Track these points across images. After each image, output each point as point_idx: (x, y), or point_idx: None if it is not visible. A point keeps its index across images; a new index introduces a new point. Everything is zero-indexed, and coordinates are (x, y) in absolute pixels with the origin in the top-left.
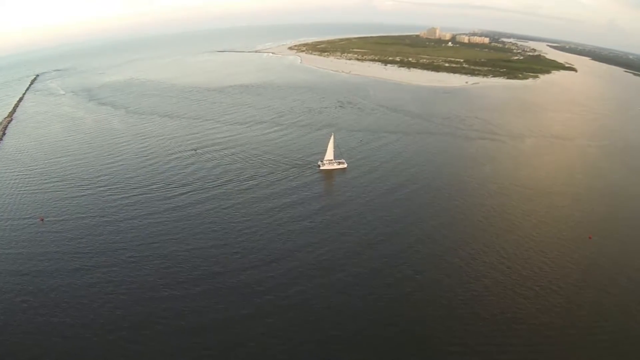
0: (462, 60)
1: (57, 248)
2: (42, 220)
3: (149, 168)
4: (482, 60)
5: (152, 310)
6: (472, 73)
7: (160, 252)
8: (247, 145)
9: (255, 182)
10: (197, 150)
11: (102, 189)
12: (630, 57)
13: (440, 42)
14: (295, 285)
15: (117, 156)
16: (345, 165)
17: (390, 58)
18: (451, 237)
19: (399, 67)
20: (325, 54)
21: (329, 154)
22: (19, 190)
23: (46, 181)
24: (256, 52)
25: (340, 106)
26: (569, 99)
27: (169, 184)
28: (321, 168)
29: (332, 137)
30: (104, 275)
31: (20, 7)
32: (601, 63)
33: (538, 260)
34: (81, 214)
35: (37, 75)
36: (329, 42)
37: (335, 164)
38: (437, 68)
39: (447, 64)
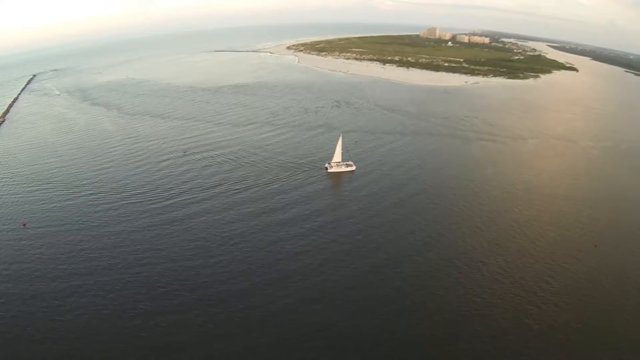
0: (461, 60)
1: (36, 264)
2: (25, 225)
3: (139, 173)
4: (482, 60)
5: (130, 342)
6: (472, 73)
7: (146, 271)
8: (243, 148)
9: (256, 190)
10: (187, 153)
11: (89, 195)
12: (631, 57)
13: (440, 41)
14: (292, 313)
15: (107, 160)
16: (353, 168)
17: (389, 57)
18: (457, 257)
19: (398, 66)
20: (323, 53)
21: (337, 155)
22: (3, 194)
23: (32, 185)
24: (254, 51)
25: (337, 106)
26: (570, 99)
27: (159, 192)
28: (329, 171)
29: (341, 138)
30: (82, 300)
31: (20, 6)
32: (602, 63)
33: (542, 272)
34: (65, 222)
35: (34, 75)
36: (327, 41)
37: (343, 167)
38: (436, 68)
39: (446, 64)
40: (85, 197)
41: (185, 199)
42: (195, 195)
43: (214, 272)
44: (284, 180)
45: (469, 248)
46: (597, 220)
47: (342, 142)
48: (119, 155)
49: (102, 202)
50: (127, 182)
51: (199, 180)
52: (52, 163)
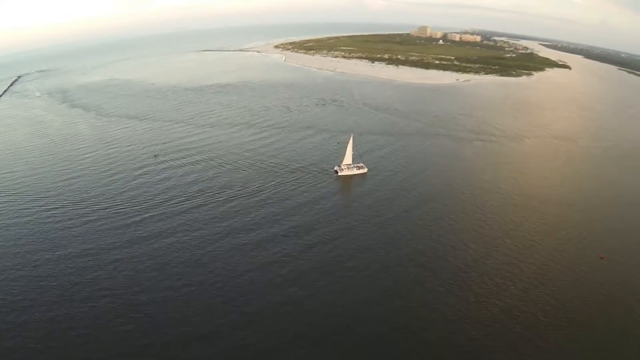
0: (453, 58)
1: None
2: None
3: (113, 182)
4: (474, 57)
5: None
6: (464, 70)
7: (113, 304)
8: (228, 152)
9: (251, 202)
10: (158, 157)
11: (51, 209)
12: (622, 55)
13: (431, 40)
14: None
15: (78, 167)
16: (365, 170)
17: (378, 55)
18: (449, 274)
19: (387, 64)
20: (311, 52)
21: (348, 157)
22: None
23: None
24: (241, 50)
25: (322, 104)
26: (565, 96)
27: (134, 204)
28: (339, 174)
29: (351, 139)
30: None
31: (14, 7)
32: (594, 61)
33: (545, 292)
34: (21, 244)
35: (19, 77)
36: (316, 40)
37: (354, 169)
38: (426, 65)
39: (437, 62)
40: (47, 212)
41: (162, 215)
42: (173, 210)
43: (202, 310)
44: (284, 188)
45: (469, 262)
46: (602, 229)
47: (352, 143)
48: (91, 162)
49: (66, 218)
50: (97, 193)
51: (178, 193)
52: (18, 171)
